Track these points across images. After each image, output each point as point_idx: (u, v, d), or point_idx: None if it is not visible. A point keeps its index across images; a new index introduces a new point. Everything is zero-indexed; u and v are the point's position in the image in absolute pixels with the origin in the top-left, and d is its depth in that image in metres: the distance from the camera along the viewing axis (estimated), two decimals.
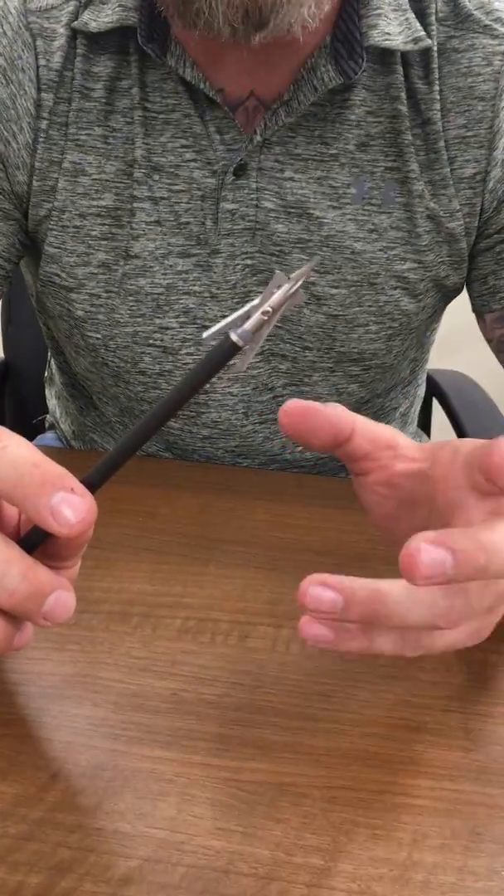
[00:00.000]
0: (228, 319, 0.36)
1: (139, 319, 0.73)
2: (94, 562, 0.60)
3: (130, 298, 0.73)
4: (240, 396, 0.78)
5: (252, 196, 0.70)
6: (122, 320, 0.73)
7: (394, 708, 0.48)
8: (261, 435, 0.80)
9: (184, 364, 0.75)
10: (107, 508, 0.65)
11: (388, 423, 0.87)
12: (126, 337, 0.74)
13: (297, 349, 0.75)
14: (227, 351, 0.36)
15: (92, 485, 0.38)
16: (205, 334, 0.36)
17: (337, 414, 0.43)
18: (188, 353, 0.74)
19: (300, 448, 0.82)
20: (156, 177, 0.70)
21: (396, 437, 0.45)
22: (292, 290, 0.36)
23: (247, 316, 0.36)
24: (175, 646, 0.53)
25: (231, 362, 0.36)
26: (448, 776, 0.44)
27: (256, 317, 0.36)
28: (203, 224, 0.71)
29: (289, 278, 0.36)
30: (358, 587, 0.38)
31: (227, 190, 0.70)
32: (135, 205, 0.70)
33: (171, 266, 0.72)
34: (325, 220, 0.71)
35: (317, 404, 0.43)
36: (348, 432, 0.44)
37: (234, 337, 0.36)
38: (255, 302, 0.36)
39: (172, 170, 0.70)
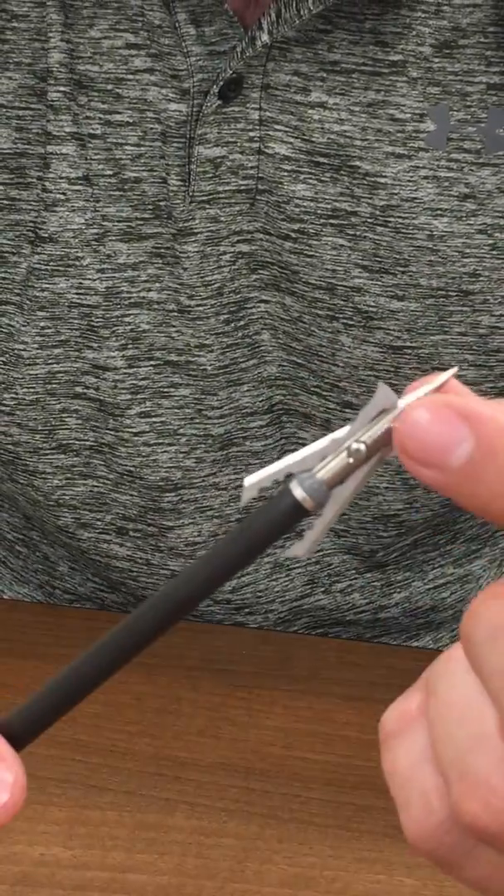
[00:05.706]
0: (291, 459, 0.37)
1: (57, 351, 0.73)
2: None
3: (40, 314, 0.73)
4: (228, 489, 0.81)
5: (252, 134, 0.70)
6: (25, 354, 0.73)
7: None
8: (270, 561, 0.81)
9: (135, 434, 0.69)
10: None
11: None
12: (33, 384, 0.73)
13: (334, 409, 0.77)
14: (282, 515, 0.37)
15: (17, 736, 0.40)
16: (248, 480, 0.38)
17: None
18: (142, 416, 0.71)
19: (350, 586, 0.86)
20: (83, 99, 0.70)
21: None
22: None
23: (323, 454, 0.37)
24: None
25: (289, 536, 0.38)
26: None
27: (340, 458, 0.36)
28: (164, 183, 0.70)
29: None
30: None
31: (207, 124, 0.69)
32: (49, 149, 0.70)
33: (110, 256, 0.72)
34: (383, 178, 0.70)
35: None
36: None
37: (297, 492, 0.36)
38: (342, 432, 0.37)
39: (112, 87, 0.70)
